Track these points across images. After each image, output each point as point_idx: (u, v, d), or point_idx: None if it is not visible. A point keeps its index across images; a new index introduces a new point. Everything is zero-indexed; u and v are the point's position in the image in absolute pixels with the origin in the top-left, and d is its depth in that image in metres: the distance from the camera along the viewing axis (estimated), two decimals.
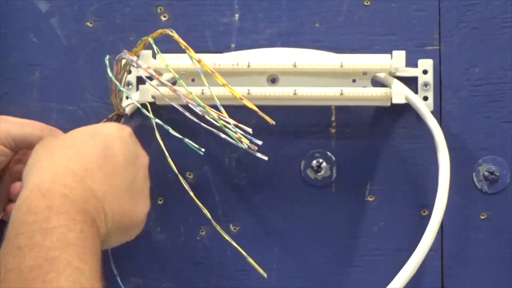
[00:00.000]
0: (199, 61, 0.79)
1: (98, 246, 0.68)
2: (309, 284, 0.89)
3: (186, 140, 0.77)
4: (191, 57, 0.79)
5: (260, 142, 0.76)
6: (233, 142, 0.77)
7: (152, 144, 0.84)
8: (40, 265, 0.63)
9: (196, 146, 0.77)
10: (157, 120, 0.79)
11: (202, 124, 0.78)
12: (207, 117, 0.77)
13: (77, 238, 0.65)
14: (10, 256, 0.63)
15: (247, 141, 0.77)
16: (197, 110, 0.78)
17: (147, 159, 0.80)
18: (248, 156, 0.85)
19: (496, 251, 0.88)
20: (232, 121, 0.77)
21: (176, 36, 0.79)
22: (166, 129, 0.79)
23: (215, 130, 0.77)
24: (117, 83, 0.80)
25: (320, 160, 0.88)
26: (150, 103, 0.82)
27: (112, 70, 0.80)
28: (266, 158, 0.78)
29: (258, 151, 0.77)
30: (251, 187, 0.89)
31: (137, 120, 0.88)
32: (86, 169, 0.72)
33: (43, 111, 0.89)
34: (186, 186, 0.80)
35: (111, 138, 0.77)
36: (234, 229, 0.89)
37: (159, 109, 0.86)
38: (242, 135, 0.77)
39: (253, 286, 0.88)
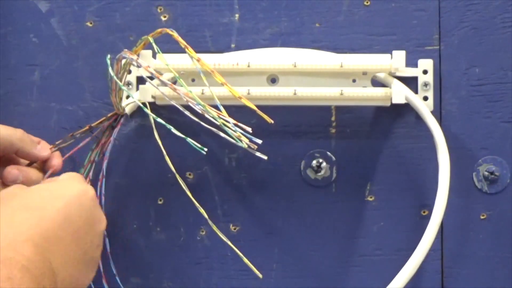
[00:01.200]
0: (198, 60, 0.79)
1: None
2: (309, 284, 0.89)
3: (189, 139, 0.77)
4: (190, 57, 0.79)
5: (260, 141, 0.76)
6: (233, 141, 0.77)
7: (152, 144, 0.84)
8: None
9: (199, 145, 0.77)
10: (159, 119, 0.79)
11: (202, 123, 0.78)
12: (207, 116, 0.77)
13: None
14: None
15: (247, 140, 0.76)
16: (197, 109, 0.78)
17: (105, 225, 0.79)
18: (248, 156, 0.85)
19: (496, 251, 0.88)
20: (231, 120, 0.77)
21: (175, 35, 0.79)
22: (166, 129, 0.79)
23: (215, 129, 0.77)
24: (119, 82, 0.80)
25: (320, 160, 0.88)
26: (150, 103, 0.82)
27: (113, 69, 0.80)
28: (265, 157, 0.78)
29: (258, 150, 0.77)
30: (251, 187, 0.89)
31: (137, 120, 0.89)
32: (45, 239, 0.70)
33: (43, 111, 0.89)
34: (184, 187, 0.80)
35: (74, 202, 0.75)
36: (234, 229, 0.89)
37: (159, 109, 0.86)
38: (242, 134, 0.77)
39: (253, 286, 0.89)
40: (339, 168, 0.89)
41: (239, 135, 0.76)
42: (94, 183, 0.85)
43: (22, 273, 0.65)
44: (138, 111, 0.88)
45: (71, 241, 0.73)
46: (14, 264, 0.65)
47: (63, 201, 0.74)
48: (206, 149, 0.77)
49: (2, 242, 0.67)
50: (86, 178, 0.84)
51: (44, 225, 0.71)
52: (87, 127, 0.85)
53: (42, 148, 0.83)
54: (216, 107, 0.78)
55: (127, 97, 0.87)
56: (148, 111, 0.79)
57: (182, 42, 0.79)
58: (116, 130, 0.85)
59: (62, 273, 0.70)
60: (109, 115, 0.85)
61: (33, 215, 0.71)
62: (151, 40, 0.79)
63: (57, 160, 0.84)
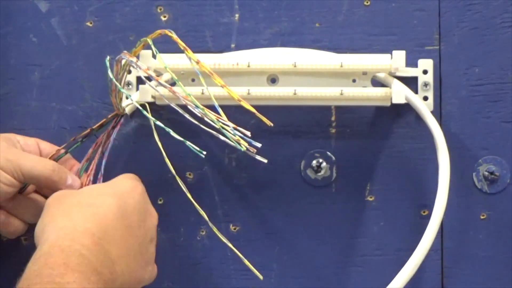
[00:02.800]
0: (197, 62, 0.79)
1: None
2: (309, 284, 0.89)
3: (188, 143, 0.77)
4: (189, 58, 0.79)
5: (259, 145, 0.76)
6: (232, 144, 0.77)
7: (152, 144, 0.84)
8: None
9: (198, 149, 0.77)
10: (158, 123, 0.79)
11: (201, 126, 0.78)
12: (206, 119, 0.77)
13: None
14: None
15: (246, 144, 0.76)
16: (196, 112, 0.78)
17: (156, 219, 0.81)
18: (248, 156, 0.85)
19: (496, 251, 0.88)
20: (231, 124, 0.76)
21: (174, 36, 0.79)
22: (165, 130, 0.79)
23: (214, 132, 0.77)
24: (118, 84, 0.80)
25: (320, 160, 0.88)
26: (150, 103, 0.82)
27: (112, 71, 0.80)
28: (265, 161, 0.78)
29: (258, 151, 0.77)
30: (251, 187, 0.89)
31: (137, 120, 0.89)
32: (103, 231, 0.73)
33: (43, 111, 0.89)
34: (184, 188, 0.80)
35: (125, 197, 0.78)
36: (234, 229, 0.89)
37: (159, 109, 0.86)
38: (241, 137, 0.77)
39: (253, 286, 0.88)
40: (339, 168, 0.89)
41: (238, 138, 0.76)
42: (93, 182, 0.84)
43: (79, 259, 0.68)
44: (138, 111, 0.87)
45: (126, 233, 0.75)
46: (72, 252, 0.69)
47: (116, 197, 0.77)
48: (205, 152, 0.77)
49: (60, 232, 0.71)
50: (82, 175, 0.84)
51: (100, 218, 0.74)
52: (88, 130, 0.85)
53: (74, 182, 0.83)
54: (215, 108, 0.78)
55: (127, 97, 0.87)
56: (147, 114, 0.79)
57: (181, 44, 0.79)
58: (116, 130, 0.84)
59: (120, 263, 0.73)
60: (109, 116, 0.85)
61: (88, 210, 0.74)
62: (150, 42, 0.79)
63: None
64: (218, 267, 0.89)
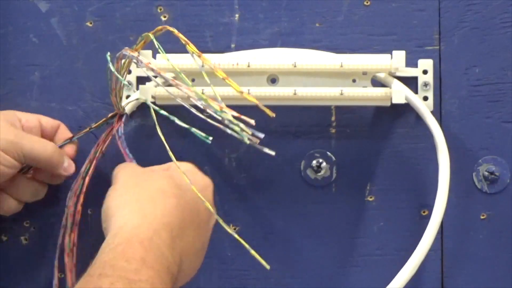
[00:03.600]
0: (199, 56, 0.79)
1: None
2: (309, 284, 0.89)
3: (193, 129, 0.76)
4: (191, 52, 0.79)
5: (262, 135, 0.76)
6: (236, 135, 0.76)
7: (152, 143, 0.84)
8: None
9: (203, 134, 0.76)
10: (163, 111, 0.78)
11: (205, 117, 0.77)
12: (208, 110, 0.77)
13: None
14: None
15: (249, 132, 0.76)
16: (199, 104, 0.77)
17: (215, 219, 0.78)
18: (248, 156, 0.85)
19: (496, 251, 0.88)
20: (233, 113, 0.76)
21: (176, 32, 0.79)
22: (166, 129, 0.79)
23: (217, 124, 0.77)
24: (120, 76, 0.79)
25: (320, 160, 0.88)
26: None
27: (113, 66, 0.80)
28: (273, 153, 0.77)
29: (258, 151, 0.77)
30: (251, 187, 0.89)
31: (137, 120, 0.89)
32: (181, 227, 0.71)
33: (43, 111, 0.88)
34: (189, 183, 0.80)
35: (202, 194, 0.74)
36: (234, 229, 0.89)
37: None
38: (244, 128, 0.76)
39: (253, 286, 0.88)
40: (339, 168, 0.89)
41: (242, 128, 0.76)
42: (101, 178, 0.84)
43: (157, 256, 0.66)
44: (138, 111, 0.88)
45: (195, 232, 0.73)
46: (152, 246, 0.66)
47: (192, 192, 0.74)
48: (211, 138, 0.76)
49: (143, 221, 0.68)
50: (86, 177, 0.84)
51: (179, 214, 0.71)
52: (87, 129, 0.85)
53: (69, 167, 0.83)
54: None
55: (127, 96, 0.87)
56: (153, 105, 0.79)
57: (183, 39, 0.78)
58: (121, 128, 0.84)
59: (186, 262, 0.71)
60: (109, 115, 0.85)
61: (171, 202, 0.72)
62: (152, 37, 0.79)
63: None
64: (218, 267, 0.89)
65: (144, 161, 0.88)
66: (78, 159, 0.87)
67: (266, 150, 0.78)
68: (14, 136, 0.79)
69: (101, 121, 0.85)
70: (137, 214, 0.70)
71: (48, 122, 0.85)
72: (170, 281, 0.67)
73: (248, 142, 0.76)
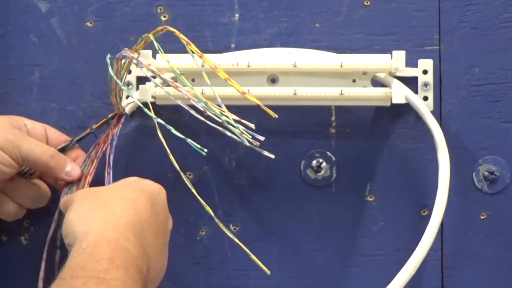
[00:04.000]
0: (201, 56, 0.79)
1: None
2: (309, 284, 0.89)
3: (189, 140, 0.77)
4: (192, 52, 0.79)
5: (262, 138, 0.76)
6: (236, 138, 0.76)
7: (152, 143, 0.84)
8: None
9: (198, 146, 0.77)
10: (159, 120, 0.79)
11: (204, 120, 0.77)
12: (209, 113, 0.77)
13: None
14: None
15: (250, 137, 0.76)
16: (199, 106, 0.77)
17: (171, 224, 0.81)
18: (248, 156, 0.85)
19: (496, 251, 0.88)
20: (233, 117, 0.76)
21: (177, 32, 0.79)
22: (166, 129, 0.79)
23: (217, 127, 0.77)
24: (119, 82, 0.79)
25: (320, 160, 0.88)
26: (150, 103, 0.82)
27: (113, 69, 0.80)
28: (272, 156, 0.78)
29: (260, 147, 0.77)
30: (251, 187, 0.89)
31: (137, 120, 0.89)
32: (141, 226, 0.73)
33: (43, 111, 0.89)
34: (189, 184, 0.80)
35: (156, 197, 0.77)
36: (234, 229, 0.89)
37: (159, 109, 0.86)
38: (245, 130, 0.76)
39: (253, 286, 0.88)
40: (339, 168, 0.89)
41: (241, 131, 0.76)
42: (101, 178, 0.84)
43: (125, 255, 0.68)
44: (138, 111, 0.87)
45: (156, 231, 0.75)
46: (118, 245, 0.68)
47: (148, 195, 0.76)
48: (206, 150, 0.77)
49: (106, 223, 0.70)
50: (87, 175, 0.84)
51: (138, 213, 0.73)
52: (88, 131, 0.85)
53: (73, 171, 0.83)
54: (217, 105, 0.78)
55: (127, 96, 0.87)
56: (148, 111, 0.79)
57: (184, 39, 0.79)
58: (118, 129, 0.84)
59: (153, 260, 0.73)
60: (109, 116, 0.85)
61: (128, 204, 0.74)
62: (152, 38, 0.79)
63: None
64: (218, 267, 0.89)
65: (144, 161, 0.88)
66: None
67: (266, 153, 0.78)
68: (13, 136, 0.79)
69: (101, 122, 0.85)
70: (99, 219, 0.71)
71: (54, 133, 0.85)
72: (141, 279, 0.68)
73: (248, 144, 0.76)
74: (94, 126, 0.85)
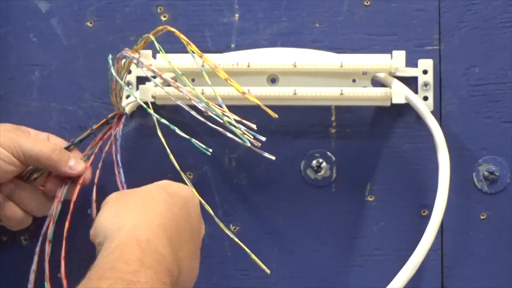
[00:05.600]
0: (201, 56, 0.79)
1: None
2: (309, 284, 0.89)
3: (193, 140, 0.77)
4: (192, 52, 0.79)
5: (263, 138, 0.76)
6: (237, 139, 0.76)
7: (152, 143, 0.84)
8: None
9: (203, 146, 0.77)
10: (163, 120, 0.78)
11: (205, 121, 0.77)
12: (210, 113, 0.77)
13: None
14: None
15: (251, 137, 0.76)
16: (200, 106, 0.77)
17: (204, 229, 0.80)
18: (248, 156, 0.85)
19: (496, 251, 0.88)
20: (235, 117, 0.76)
21: (177, 32, 0.79)
22: (166, 129, 0.79)
23: (217, 127, 0.77)
24: (120, 81, 0.79)
25: (320, 160, 0.88)
26: (150, 103, 0.82)
27: (114, 69, 0.80)
28: (273, 157, 0.78)
29: (261, 148, 0.77)
30: (251, 187, 0.89)
31: (137, 120, 0.89)
32: (175, 229, 0.72)
33: (43, 111, 0.89)
34: (189, 184, 0.80)
35: (189, 201, 0.77)
36: (234, 229, 0.89)
37: (159, 109, 0.86)
38: (246, 131, 0.76)
39: (253, 286, 0.88)
40: (339, 168, 0.89)
41: (242, 132, 0.76)
42: (108, 175, 0.84)
43: (155, 257, 0.66)
44: (138, 111, 0.88)
45: (190, 235, 0.74)
46: (149, 247, 0.67)
47: (183, 199, 0.76)
48: (211, 150, 0.76)
49: (137, 223, 0.69)
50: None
51: (173, 215, 0.73)
52: (88, 131, 0.85)
53: (76, 164, 0.82)
54: (218, 105, 0.78)
55: (127, 96, 0.87)
56: (151, 111, 0.79)
57: (184, 39, 0.79)
58: (119, 129, 0.84)
59: (184, 264, 0.72)
60: (109, 116, 0.84)
61: (162, 206, 0.73)
62: (153, 38, 0.79)
63: (88, 174, 0.84)
64: (218, 267, 0.89)
65: (144, 161, 0.88)
66: None
67: (266, 154, 0.78)
68: (14, 135, 0.79)
69: (101, 122, 0.85)
70: (131, 219, 0.70)
71: (57, 140, 0.85)
72: (170, 282, 0.67)
73: (249, 145, 0.76)
74: (95, 127, 0.85)
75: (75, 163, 0.82)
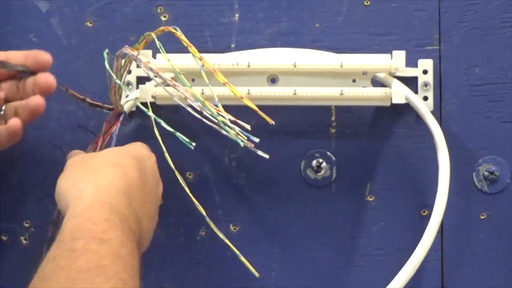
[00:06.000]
0: (201, 59, 0.79)
1: (140, 265, 0.71)
2: (309, 284, 0.89)
3: (178, 134, 0.78)
4: (193, 55, 0.79)
5: (257, 140, 0.76)
6: (231, 137, 0.76)
7: (152, 143, 0.84)
8: (89, 269, 0.65)
9: (187, 140, 0.78)
10: (150, 114, 0.79)
11: (202, 118, 0.77)
12: (205, 113, 0.77)
13: (127, 254, 0.68)
14: (62, 257, 0.66)
15: (245, 138, 0.76)
16: (196, 105, 0.77)
17: (162, 187, 0.83)
18: (248, 156, 0.85)
19: (496, 251, 0.88)
20: (229, 117, 0.76)
21: (179, 33, 0.79)
22: (166, 129, 0.79)
23: (214, 126, 0.77)
24: (114, 76, 0.79)
25: (320, 160, 0.88)
26: (150, 103, 0.82)
27: (111, 66, 0.80)
28: (267, 156, 0.78)
29: (257, 148, 0.77)
30: (251, 187, 0.89)
31: (137, 120, 0.89)
32: (131, 191, 0.75)
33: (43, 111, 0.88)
34: (184, 185, 0.80)
35: (145, 161, 0.80)
36: (234, 229, 0.89)
37: (159, 109, 0.86)
38: (241, 132, 0.77)
39: (253, 286, 0.88)
40: (339, 168, 0.89)
41: (237, 132, 0.76)
42: None
43: (119, 217, 0.70)
44: (138, 111, 0.87)
45: (146, 196, 0.77)
46: (112, 208, 0.70)
47: (137, 160, 0.78)
48: (194, 144, 0.77)
49: (98, 188, 0.72)
50: None
51: (128, 178, 0.76)
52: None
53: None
54: (215, 105, 0.78)
55: (127, 95, 0.87)
56: (146, 109, 0.79)
57: (185, 41, 0.79)
58: (117, 128, 0.84)
59: (144, 222, 0.75)
60: (106, 106, 0.85)
61: (118, 169, 0.76)
62: (154, 36, 0.79)
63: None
64: (218, 267, 0.89)
65: None
66: None
67: (260, 152, 0.78)
68: None
69: (97, 103, 0.85)
70: (91, 184, 0.73)
71: (16, 54, 0.82)
72: (135, 240, 0.70)
73: (242, 144, 0.76)
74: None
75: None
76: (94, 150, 0.84)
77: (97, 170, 0.76)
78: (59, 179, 0.77)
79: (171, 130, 0.78)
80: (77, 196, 0.72)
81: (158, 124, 0.79)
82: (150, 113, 0.80)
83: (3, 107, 0.81)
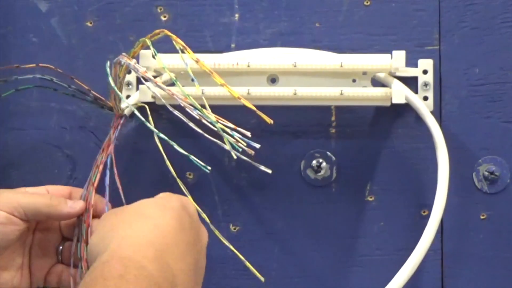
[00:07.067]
0: (197, 61, 0.79)
1: None
2: (309, 284, 0.89)
3: (192, 157, 0.77)
4: (190, 58, 0.79)
5: (258, 146, 0.76)
6: (227, 148, 0.76)
7: (152, 144, 0.84)
8: None
9: (202, 164, 0.76)
10: (161, 135, 0.78)
11: (198, 130, 0.77)
12: (204, 121, 0.77)
13: None
14: None
15: (245, 144, 0.76)
16: (194, 114, 0.77)
17: (207, 237, 0.79)
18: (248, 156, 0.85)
19: (496, 251, 0.88)
20: (230, 125, 0.76)
21: (174, 36, 0.78)
22: (166, 129, 0.79)
23: (209, 137, 0.77)
24: (116, 89, 0.79)
25: (320, 160, 0.88)
26: (150, 103, 0.82)
27: (111, 75, 0.79)
28: (269, 171, 0.78)
29: (257, 151, 0.77)
30: (251, 187, 0.89)
31: (137, 120, 0.88)
32: (165, 244, 0.71)
33: (43, 111, 0.89)
34: (184, 190, 0.80)
35: (181, 212, 0.75)
36: (234, 229, 0.89)
37: (159, 109, 0.86)
38: (240, 138, 0.76)
39: (253, 286, 0.88)
40: (339, 168, 0.89)
41: (236, 140, 0.76)
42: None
43: (138, 272, 0.66)
44: (138, 111, 0.87)
45: (185, 248, 0.73)
46: (132, 263, 0.66)
47: (174, 211, 0.74)
48: (210, 168, 0.76)
49: (122, 242, 0.69)
50: (94, 182, 0.83)
51: (162, 231, 0.72)
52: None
53: (75, 203, 0.81)
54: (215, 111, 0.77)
55: (127, 96, 0.87)
56: (145, 120, 0.78)
57: (181, 43, 0.78)
58: (116, 131, 0.84)
59: (181, 278, 0.70)
60: (108, 102, 0.84)
61: (150, 222, 0.72)
62: (149, 42, 0.78)
63: (101, 205, 0.82)
64: (218, 267, 0.89)
65: (144, 161, 0.88)
66: (78, 158, 0.87)
67: (263, 167, 0.78)
68: (12, 193, 0.78)
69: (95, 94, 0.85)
70: (117, 236, 0.70)
71: (57, 190, 0.83)
72: None
73: (235, 157, 0.75)
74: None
75: (73, 202, 0.80)
76: (102, 158, 0.83)
77: (125, 224, 0.72)
78: (90, 238, 0.74)
79: (185, 153, 0.76)
80: (102, 251, 0.69)
81: (157, 125, 0.79)
82: (161, 135, 0.78)
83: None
